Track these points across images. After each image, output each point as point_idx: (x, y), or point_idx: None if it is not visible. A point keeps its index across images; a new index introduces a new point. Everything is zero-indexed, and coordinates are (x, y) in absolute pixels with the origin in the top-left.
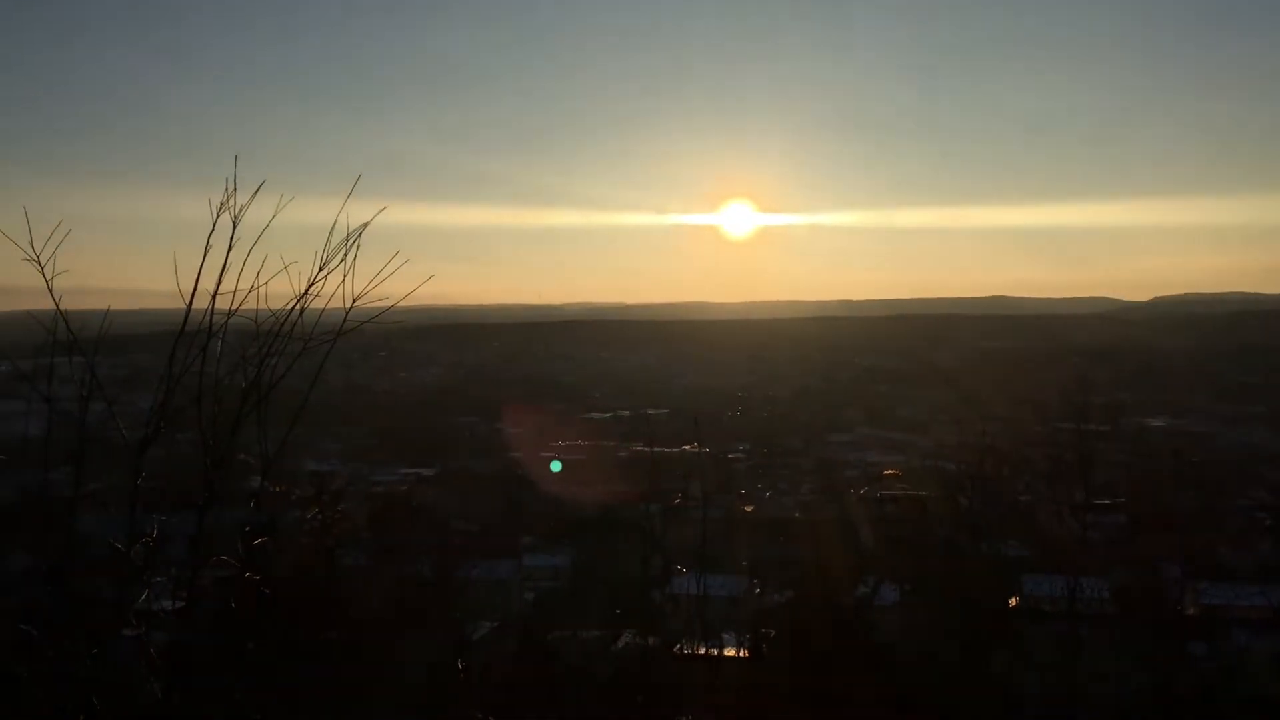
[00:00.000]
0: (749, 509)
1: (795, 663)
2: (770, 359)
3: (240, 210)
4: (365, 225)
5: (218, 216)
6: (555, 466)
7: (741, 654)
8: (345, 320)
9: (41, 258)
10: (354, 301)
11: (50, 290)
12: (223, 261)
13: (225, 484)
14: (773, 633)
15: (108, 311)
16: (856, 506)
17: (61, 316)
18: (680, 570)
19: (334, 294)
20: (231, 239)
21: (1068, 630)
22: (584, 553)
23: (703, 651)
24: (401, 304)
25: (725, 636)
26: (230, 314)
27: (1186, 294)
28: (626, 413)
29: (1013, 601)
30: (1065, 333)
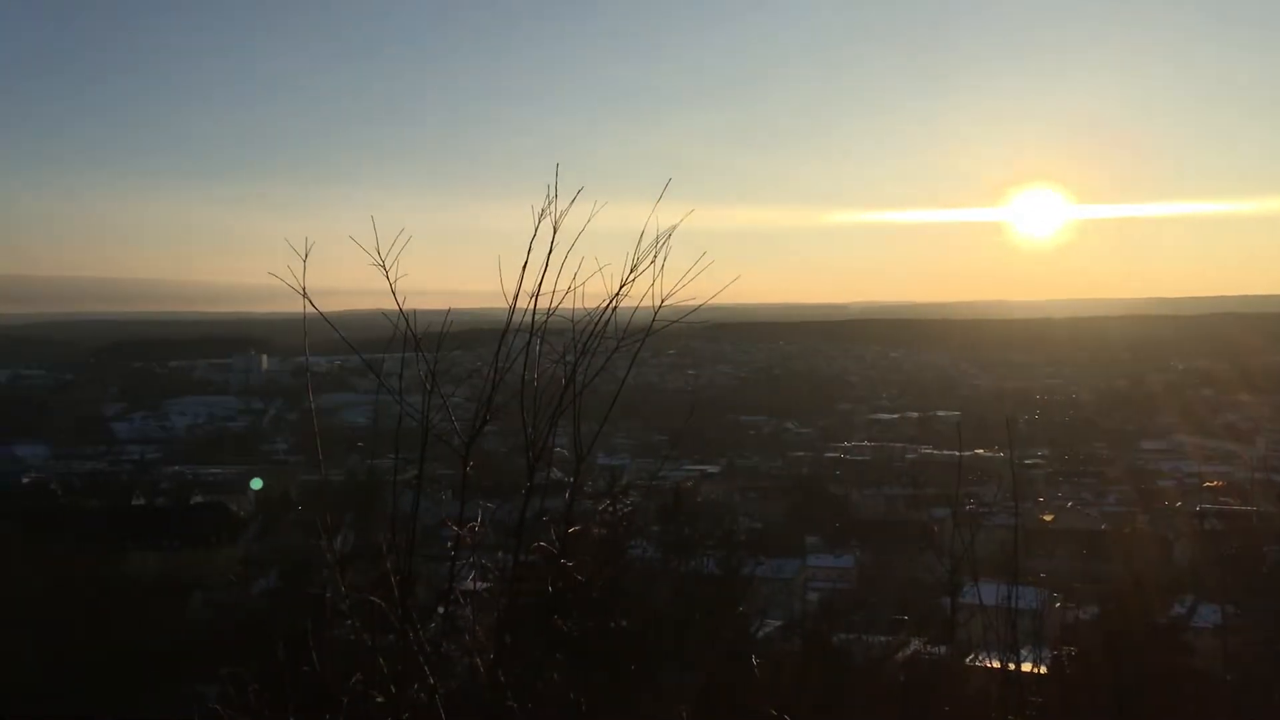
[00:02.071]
0: (1048, 518)
1: (1103, 683)
2: (1073, 360)
3: (560, 216)
4: (674, 228)
5: (539, 222)
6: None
7: (1040, 670)
8: (654, 320)
9: (386, 262)
10: (662, 301)
11: (394, 292)
12: (543, 264)
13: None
14: (1074, 650)
15: (449, 312)
16: (1172, 519)
17: (403, 316)
18: (972, 578)
19: (644, 295)
20: (552, 243)
21: None
22: (870, 555)
23: (998, 665)
24: (700, 303)
25: (1022, 651)
26: (549, 313)
27: None
28: (915, 414)
29: None
30: None
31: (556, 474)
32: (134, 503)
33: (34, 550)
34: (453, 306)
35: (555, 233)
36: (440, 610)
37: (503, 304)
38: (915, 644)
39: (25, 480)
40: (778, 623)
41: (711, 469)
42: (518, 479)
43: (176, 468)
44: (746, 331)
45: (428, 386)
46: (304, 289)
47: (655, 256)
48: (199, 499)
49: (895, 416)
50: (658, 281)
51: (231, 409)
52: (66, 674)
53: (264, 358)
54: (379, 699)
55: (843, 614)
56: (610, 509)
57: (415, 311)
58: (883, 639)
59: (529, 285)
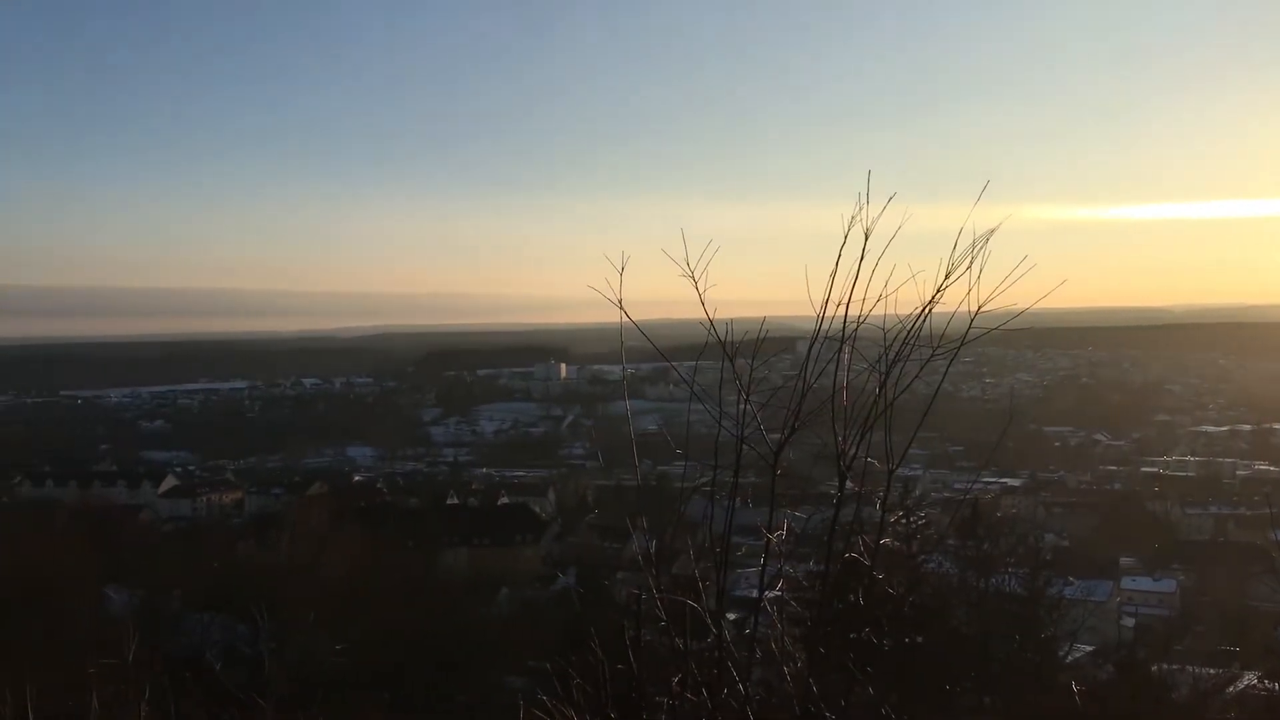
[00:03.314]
0: None
1: None
2: None
3: (872, 222)
4: (992, 231)
5: (849, 229)
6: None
7: None
8: (970, 327)
9: (695, 273)
10: (979, 308)
11: (702, 301)
12: (854, 271)
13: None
14: None
15: (764, 321)
16: None
17: (711, 325)
18: None
19: (960, 301)
20: (863, 249)
21: None
22: (1194, 578)
23: None
24: (1024, 309)
25: None
26: (860, 321)
27: None
28: (1247, 427)
29: None
30: None
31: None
32: (448, 502)
33: (366, 543)
34: (759, 315)
35: (866, 239)
36: (750, 617)
37: (808, 312)
38: (1248, 678)
39: (356, 479)
40: (1088, 648)
41: (1012, 482)
42: (814, 488)
43: (485, 470)
44: (1048, 337)
45: (743, 394)
46: (620, 300)
47: (972, 261)
48: (505, 500)
49: (1224, 429)
50: (975, 287)
51: (533, 415)
52: (403, 655)
53: (563, 366)
54: (693, 700)
55: (1163, 642)
56: (905, 521)
57: (731, 322)
58: (1210, 671)
59: (837, 293)
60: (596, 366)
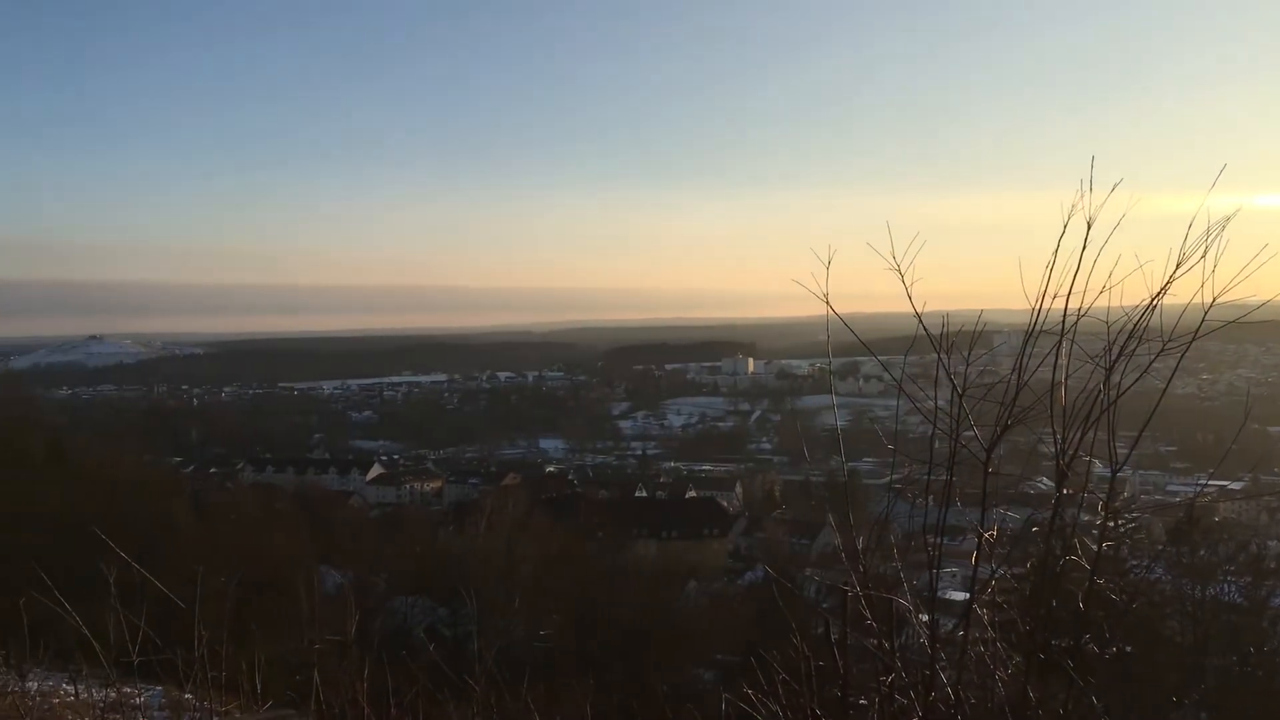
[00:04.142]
0: None
1: None
2: None
3: (1095, 210)
4: (1229, 218)
5: (1069, 217)
6: None
7: None
8: (1203, 320)
9: (901, 265)
10: (1214, 299)
11: (909, 296)
12: (1075, 262)
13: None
14: None
15: (981, 314)
16: None
17: (920, 319)
18: None
19: (1194, 293)
20: (1085, 239)
21: None
22: None
23: None
24: (1241, 300)
25: None
26: (1080, 314)
27: None
28: None
29: None
30: None
31: (1044, 484)
32: (636, 494)
33: (558, 533)
34: (955, 308)
35: (1089, 228)
36: (957, 619)
37: (1007, 304)
38: None
39: (548, 470)
40: None
41: (1232, 485)
42: (1024, 487)
43: (672, 463)
44: (1273, 330)
45: (959, 392)
46: (826, 294)
47: (1206, 249)
48: (693, 494)
49: None
50: (1209, 278)
51: (720, 409)
52: (598, 642)
53: (750, 361)
54: (902, 702)
55: None
56: (1110, 523)
57: (947, 314)
58: None
59: (1055, 284)
60: (784, 361)
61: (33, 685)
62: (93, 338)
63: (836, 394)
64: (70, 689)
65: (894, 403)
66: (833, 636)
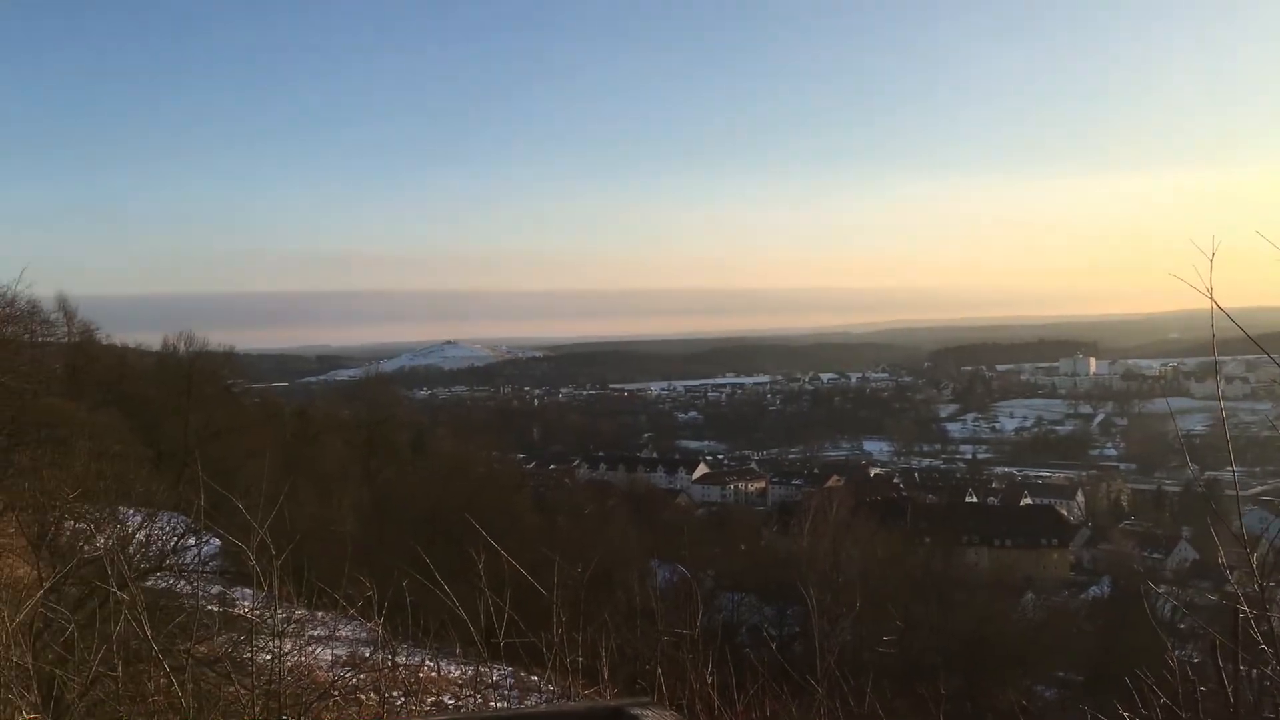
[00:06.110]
0: None
1: None
2: None
3: None
4: None
5: None
6: None
7: None
8: None
9: None
10: None
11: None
12: None
13: None
14: None
15: None
16: None
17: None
18: None
19: None
20: None
21: None
22: None
23: None
24: None
25: None
26: None
27: None
28: None
29: None
30: None
31: None
32: (967, 500)
33: (885, 537)
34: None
35: None
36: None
37: None
38: None
39: (873, 473)
40: None
41: None
42: None
43: (1005, 468)
44: None
45: None
46: (1210, 289)
47: None
48: (1028, 500)
49: None
50: None
51: (1058, 412)
52: (933, 651)
53: (1092, 361)
54: None
55: None
56: None
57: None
58: None
59: None
60: (1131, 361)
61: (401, 659)
62: (448, 342)
63: (1193, 397)
64: (433, 665)
65: (1261, 407)
66: (1219, 661)
